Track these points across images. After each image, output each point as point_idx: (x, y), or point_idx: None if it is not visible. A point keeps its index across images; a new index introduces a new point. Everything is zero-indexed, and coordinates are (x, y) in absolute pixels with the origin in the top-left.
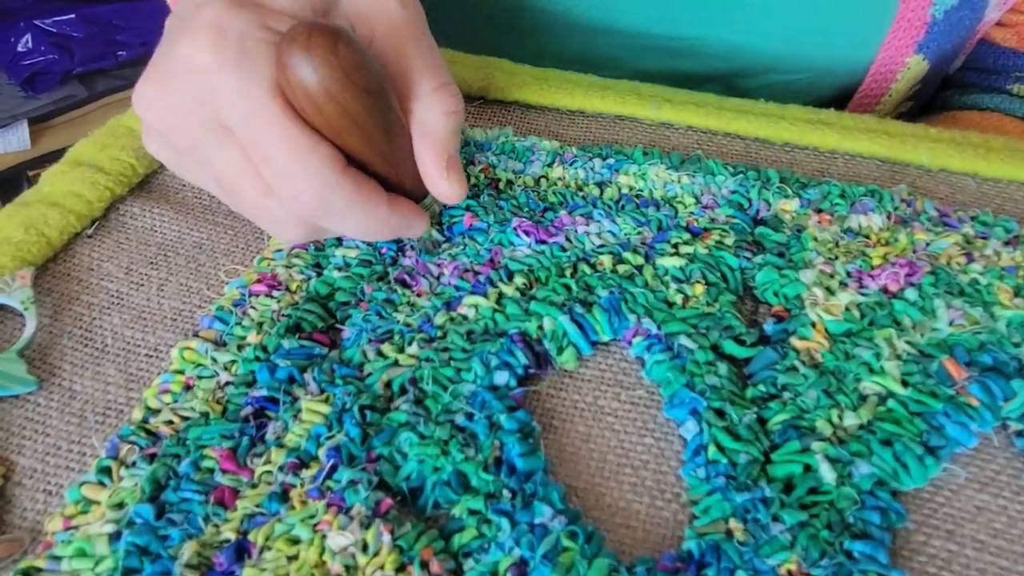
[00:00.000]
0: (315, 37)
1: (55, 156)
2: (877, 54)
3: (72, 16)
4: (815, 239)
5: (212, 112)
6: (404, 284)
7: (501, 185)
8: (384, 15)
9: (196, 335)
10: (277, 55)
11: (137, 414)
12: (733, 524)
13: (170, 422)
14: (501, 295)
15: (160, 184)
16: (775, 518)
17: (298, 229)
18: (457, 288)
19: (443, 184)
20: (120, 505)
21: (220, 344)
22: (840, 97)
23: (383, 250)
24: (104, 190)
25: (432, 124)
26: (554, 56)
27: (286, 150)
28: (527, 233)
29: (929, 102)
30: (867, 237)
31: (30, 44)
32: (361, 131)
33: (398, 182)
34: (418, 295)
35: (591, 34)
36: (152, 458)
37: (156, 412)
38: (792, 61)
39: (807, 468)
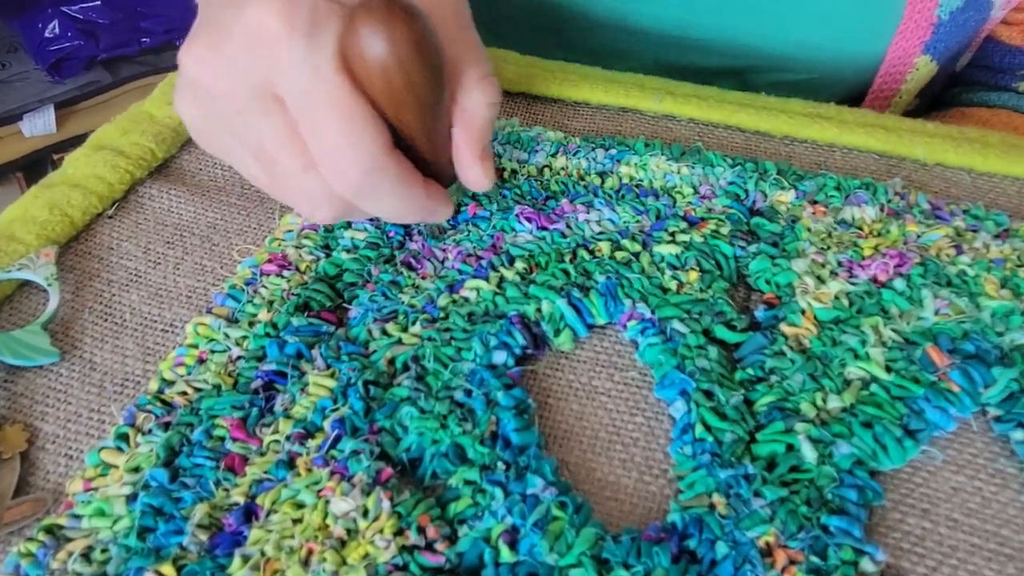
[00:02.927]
0: (393, 8)
1: (80, 140)
2: (885, 55)
3: (98, 3)
4: (809, 230)
5: (266, 79)
6: (410, 267)
7: (506, 175)
8: (437, 2)
9: (210, 311)
10: (351, 23)
11: (153, 385)
12: (716, 498)
13: (184, 393)
14: (502, 279)
15: (177, 167)
16: (756, 494)
17: (332, 208)
18: (460, 272)
19: (476, 171)
20: (136, 469)
21: (232, 320)
22: (851, 98)
23: (391, 234)
24: (125, 173)
25: (475, 111)
26: (581, 48)
27: (341, 123)
28: (529, 220)
29: (935, 99)
30: (860, 228)
31: (57, 30)
32: (420, 106)
33: (435, 165)
34: (423, 278)
35: (611, 30)
36: (167, 426)
37: (171, 383)
38: (801, 62)
39: (789, 448)
